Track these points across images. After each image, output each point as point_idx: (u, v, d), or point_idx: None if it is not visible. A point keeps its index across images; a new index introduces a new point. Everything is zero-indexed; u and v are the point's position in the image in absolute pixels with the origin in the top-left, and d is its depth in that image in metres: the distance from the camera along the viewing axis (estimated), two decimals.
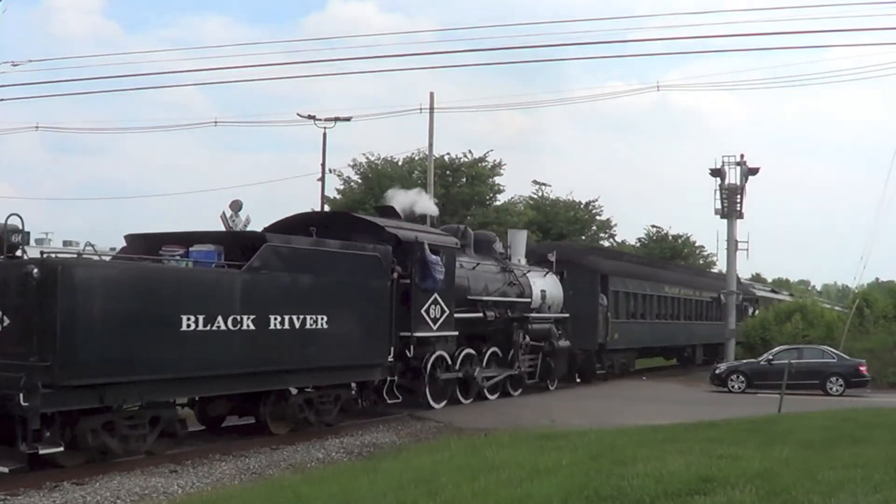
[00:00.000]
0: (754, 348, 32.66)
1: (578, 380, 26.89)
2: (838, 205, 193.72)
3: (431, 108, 34.62)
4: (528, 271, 23.27)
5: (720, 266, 49.94)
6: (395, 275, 16.67)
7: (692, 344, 36.88)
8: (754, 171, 34.97)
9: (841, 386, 25.78)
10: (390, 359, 16.63)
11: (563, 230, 46.27)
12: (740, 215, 34.88)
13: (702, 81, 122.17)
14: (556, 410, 18.78)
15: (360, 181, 43.17)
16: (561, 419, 16.95)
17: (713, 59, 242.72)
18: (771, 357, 26.91)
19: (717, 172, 34.40)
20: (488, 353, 21.03)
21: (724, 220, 34.90)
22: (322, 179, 39.14)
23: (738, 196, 34.51)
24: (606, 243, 52.22)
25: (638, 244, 60.03)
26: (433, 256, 17.64)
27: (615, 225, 53.31)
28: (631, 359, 31.13)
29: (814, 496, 7.73)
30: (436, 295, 18.03)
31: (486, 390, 20.81)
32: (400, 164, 43.27)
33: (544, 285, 23.65)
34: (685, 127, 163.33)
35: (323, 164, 39.18)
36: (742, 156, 34.66)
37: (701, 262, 61.66)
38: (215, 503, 10.05)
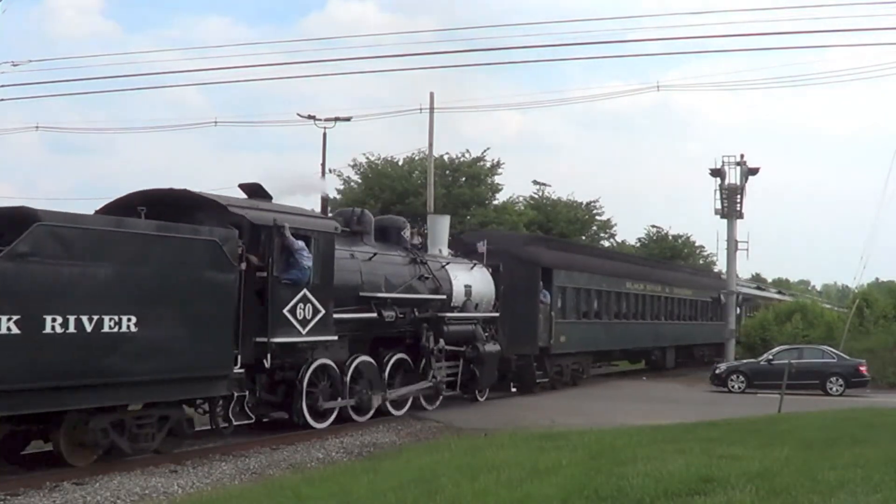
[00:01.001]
0: (754, 348, 32.67)
1: (514, 389, 22.99)
2: (838, 205, 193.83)
3: (431, 108, 34.66)
4: (448, 263, 19.93)
5: (720, 266, 49.93)
6: (244, 265, 13.50)
7: (661, 346, 33.12)
8: (754, 171, 35.04)
9: (841, 386, 25.79)
10: (237, 369, 13.40)
11: (563, 230, 46.28)
12: (740, 215, 34.93)
13: (702, 81, 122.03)
14: (555, 412, 18.80)
15: (360, 181, 43.22)
16: (561, 419, 16.94)
17: (713, 59, 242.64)
18: (771, 357, 26.94)
19: (717, 172, 34.45)
20: (391, 360, 17.72)
21: (724, 220, 34.93)
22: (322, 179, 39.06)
23: (738, 196, 34.57)
24: (606, 243, 52.23)
25: (638, 244, 60.07)
26: (297, 242, 14.45)
27: (615, 225, 53.36)
28: (585, 364, 27.01)
29: (814, 496, 7.72)
30: (305, 291, 14.65)
31: (389, 404, 17.60)
32: (400, 164, 43.33)
33: (470, 280, 20.35)
34: (685, 127, 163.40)
35: (323, 164, 39.16)
36: (742, 156, 34.77)
37: (701, 262, 61.69)
38: (215, 503, 10.05)
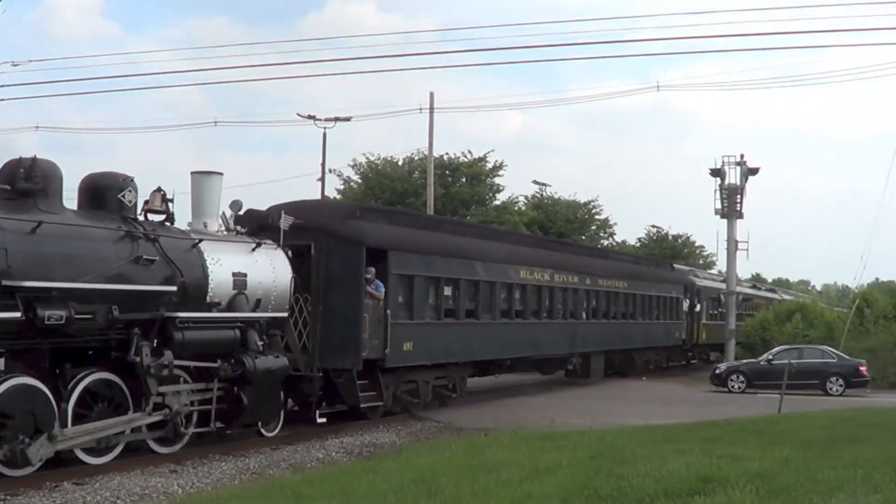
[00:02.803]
0: (753, 348, 32.67)
1: (322, 419, 16.38)
2: (838, 205, 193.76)
3: (431, 108, 34.66)
4: (202, 241, 14.07)
5: (720, 266, 49.85)
6: None
7: (584, 351, 26.32)
8: (754, 171, 35.02)
9: (841, 386, 25.80)
10: None
11: (563, 229, 46.33)
12: (740, 215, 34.91)
13: (702, 81, 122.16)
14: (555, 411, 18.79)
15: (360, 181, 43.25)
16: (561, 419, 16.95)
17: (713, 59, 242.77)
18: (771, 357, 26.94)
19: (717, 172, 34.43)
20: (82, 384, 11.90)
21: (724, 220, 34.91)
22: (322, 179, 39.15)
23: (738, 196, 34.55)
24: (606, 243, 52.24)
25: (638, 244, 60.10)
26: None
27: (615, 224, 53.37)
28: (457, 378, 20.19)
29: (814, 496, 7.73)
30: None
31: (82, 452, 11.90)
32: (400, 164, 43.37)
33: (245, 266, 14.71)
34: (685, 127, 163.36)
35: (323, 164, 39.20)
36: (742, 156, 34.74)
37: (701, 262, 61.75)
38: (215, 503, 10.05)
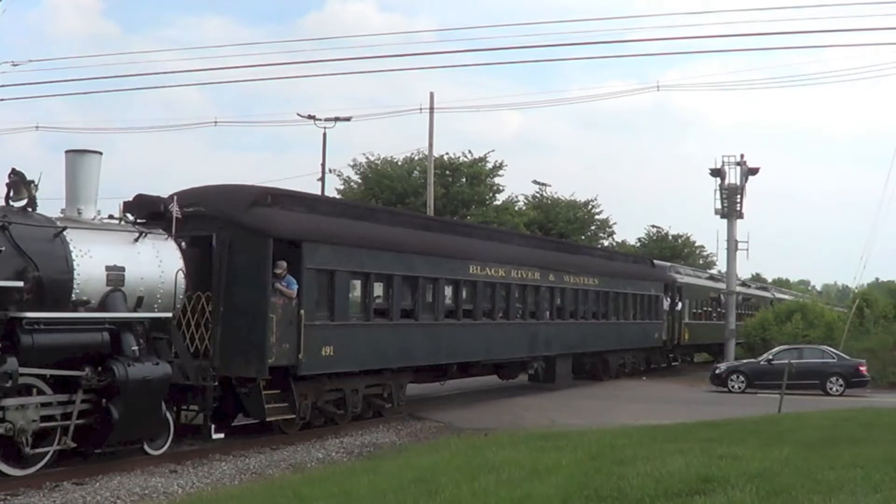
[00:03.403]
0: (754, 348, 32.67)
1: (219, 435, 13.88)
2: (838, 205, 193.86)
3: (431, 108, 34.69)
4: (65, 229, 12.17)
5: (720, 266, 49.80)
6: None
7: (548, 354, 24.22)
8: (754, 171, 35.02)
9: (841, 386, 25.80)
10: None
11: (563, 229, 46.35)
12: (740, 215, 34.91)
13: (702, 81, 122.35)
14: (555, 411, 18.78)
15: (360, 181, 43.30)
16: (561, 419, 16.95)
17: (713, 59, 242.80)
18: (771, 357, 26.94)
19: (717, 172, 34.43)
20: None
21: (724, 220, 34.91)
22: (322, 179, 39.18)
23: (738, 196, 34.54)
24: (606, 242, 52.25)
25: (638, 244, 60.14)
26: None
27: (615, 224, 53.39)
28: (394, 386, 17.97)
29: (814, 496, 7.72)
30: None
31: None
32: (400, 164, 43.40)
33: (123, 258, 12.86)
34: (685, 127, 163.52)
35: (323, 164, 39.21)
36: (742, 156, 34.74)
37: (701, 261, 61.78)
38: (215, 503, 10.06)
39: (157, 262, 13.29)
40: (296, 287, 15.11)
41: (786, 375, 20.47)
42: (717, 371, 27.79)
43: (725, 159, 34.52)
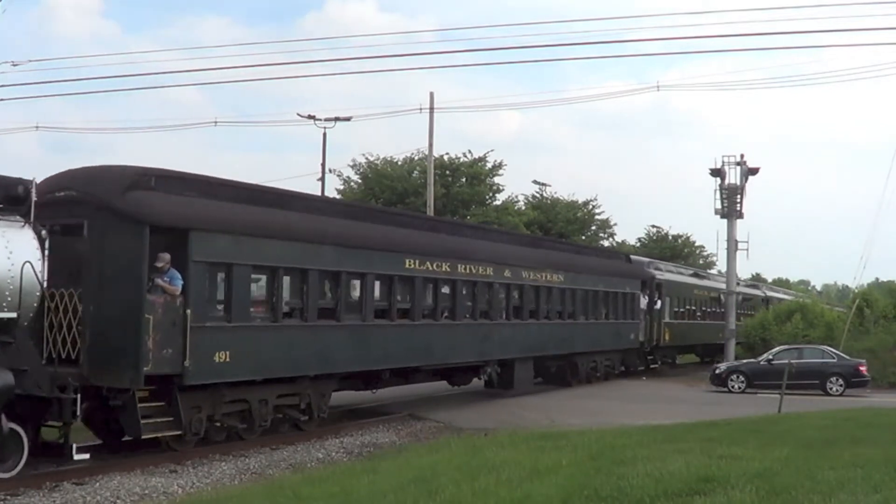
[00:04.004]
0: (754, 348, 32.66)
1: (83, 455, 11.82)
2: (838, 205, 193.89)
3: (431, 108, 34.69)
4: None
5: (720, 266, 49.76)
6: None
7: (504, 358, 21.95)
8: (754, 171, 35.00)
9: (841, 386, 25.79)
10: None
11: (563, 229, 46.35)
12: (740, 215, 34.89)
13: (702, 81, 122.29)
14: (555, 411, 18.78)
15: (359, 181, 43.29)
16: (561, 419, 16.95)
17: (713, 59, 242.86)
18: (771, 357, 26.93)
19: (717, 172, 34.41)
20: None
21: (724, 220, 34.91)
22: (322, 179, 39.20)
23: (738, 196, 34.52)
24: (606, 242, 52.23)
25: (638, 244, 60.13)
26: None
27: (615, 224, 53.38)
28: (312, 394, 15.93)
29: (814, 496, 7.72)
30: None
31: None
32: (400, 164, 43.40)
33: None
34: (685, 127, 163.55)
35: (323, 164, 39.22)
36: (742, 156, 34.72)
37: (701, 261, 61.78)
38: (215, 503, 10.06)
39: (7, 254, 11.20)
40: (180, 283, 13.02)
41: (786, 375, 20.47)
42: (717, 371, 27.78)
43: (725, 159, 34.50)
